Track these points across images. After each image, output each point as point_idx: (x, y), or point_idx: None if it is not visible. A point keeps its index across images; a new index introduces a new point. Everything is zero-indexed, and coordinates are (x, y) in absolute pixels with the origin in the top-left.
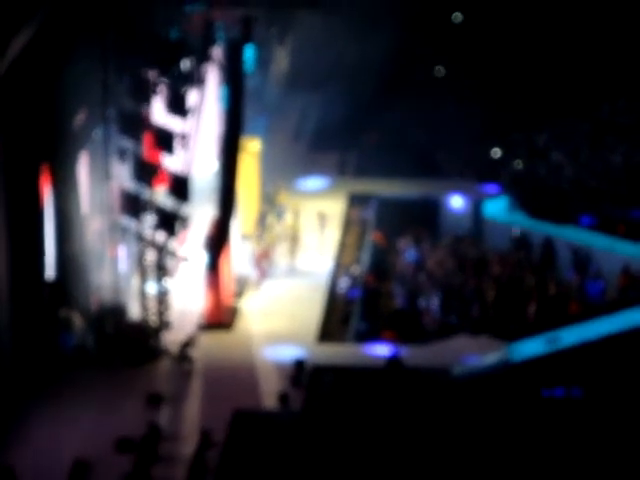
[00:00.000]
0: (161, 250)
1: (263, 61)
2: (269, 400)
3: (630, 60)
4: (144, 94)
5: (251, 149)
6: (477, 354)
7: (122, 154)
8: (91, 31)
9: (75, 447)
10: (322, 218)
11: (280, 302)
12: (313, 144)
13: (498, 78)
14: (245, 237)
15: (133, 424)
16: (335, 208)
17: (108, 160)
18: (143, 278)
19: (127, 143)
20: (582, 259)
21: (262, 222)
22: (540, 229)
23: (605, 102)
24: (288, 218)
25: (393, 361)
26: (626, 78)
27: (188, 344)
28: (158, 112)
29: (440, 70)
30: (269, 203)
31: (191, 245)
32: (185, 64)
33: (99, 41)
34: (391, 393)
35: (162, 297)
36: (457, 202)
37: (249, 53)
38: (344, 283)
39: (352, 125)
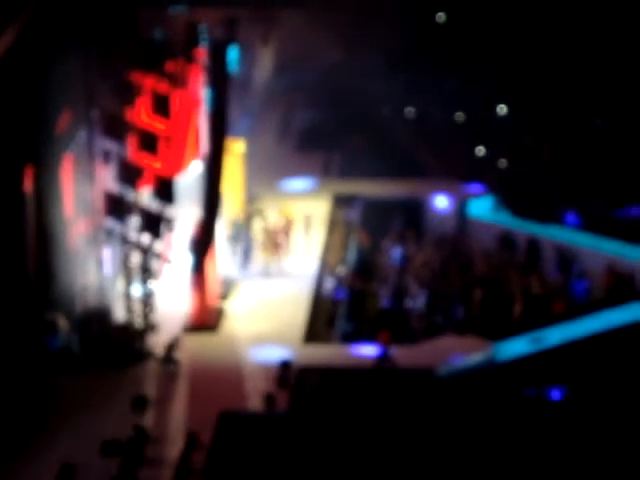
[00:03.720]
0: (146, 252)
1: (247, 62)
2: (255, 401)
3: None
4: (128, 96)
5: (236, 150)
6: (462, 354)
7: (106, 156)
8: (74, 33)
9: (60, 450)
10: (307, 220)
11: (265, 303)
12: (298, 145)
13: (483, 77)
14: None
15: (119, 427)
16: (320, 209)
17: (92, 162)
18: (128, 280)
19: (111, 145)
20: (567, 258)
21: (236, 224)
22: (525, 228)
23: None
24: (269, 220)
25: (384, 360)
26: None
27: (173, 346)
28: (142, 114)
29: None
30: (251, 206)
31: (176, 247)
32: (169, 66)
33: (82, 43)
34: (377, 393)
35: (147, 299)
36: (441, 202)
37: (233, 54)
38: (329, 284)
39: (337, 126)
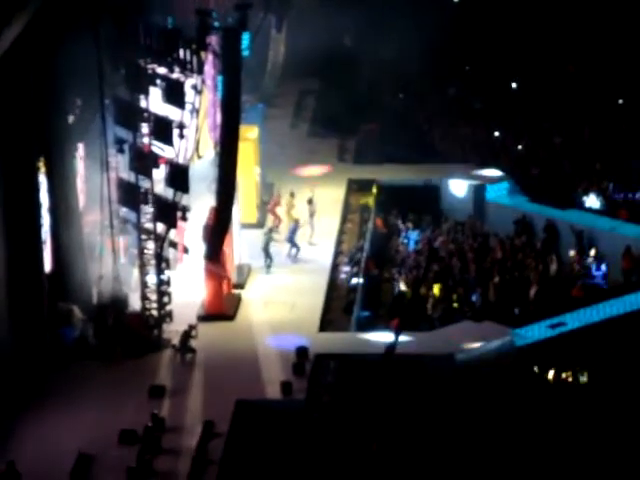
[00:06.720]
0: (161, 241)
1: (260, 48)
2: (272, 389)
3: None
4: (140, 84)
5: (249, 137)
6: (480, 340)
7: (120, 145)
8: (85, 21)
9: (78, 440)
10: (311, 204)
11: (281, 291)
12: (311, 131)
13: (499, 63)
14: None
15: (136, 416)
16: (335, 195)
17: (106, 151)
18: (143, 269)
19: (124, 133)
20: (584, 242)
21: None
22: (542, 212)
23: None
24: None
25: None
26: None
27: (189, 335)
28: (155, 102)
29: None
30: (268, 194)
31: (190, 235)
32: (181, 53)
33: (94, 31)
34: (391, 381)
35: (162, 288)
36: (459, 187)
37: (245, 41)
38: (345, 271)
39: (351, 112)
